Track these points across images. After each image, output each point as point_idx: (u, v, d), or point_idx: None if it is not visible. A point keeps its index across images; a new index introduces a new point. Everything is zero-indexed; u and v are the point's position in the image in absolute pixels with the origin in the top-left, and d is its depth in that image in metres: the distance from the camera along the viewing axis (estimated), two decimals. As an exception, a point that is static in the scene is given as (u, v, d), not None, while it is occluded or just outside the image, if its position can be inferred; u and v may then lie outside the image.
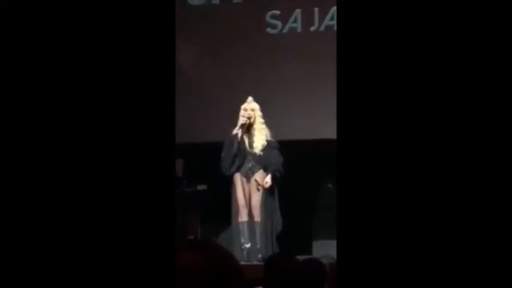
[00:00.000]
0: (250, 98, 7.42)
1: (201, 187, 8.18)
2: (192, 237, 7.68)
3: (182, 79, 7.07)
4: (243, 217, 7.34)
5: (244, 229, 7.33)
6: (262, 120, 7.40)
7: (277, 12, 8.99)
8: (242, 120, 7.28)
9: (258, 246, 7.26)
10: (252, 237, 7.32)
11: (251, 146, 7.34)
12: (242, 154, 7.33)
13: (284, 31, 9.00)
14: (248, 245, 7.30)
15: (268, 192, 7.35)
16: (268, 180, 7.30)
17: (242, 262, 6.76)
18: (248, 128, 7.35)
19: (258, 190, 7.29)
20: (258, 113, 7.39)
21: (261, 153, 7.31)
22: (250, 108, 7.35)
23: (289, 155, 7.47)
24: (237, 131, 7.30)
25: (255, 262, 6.92)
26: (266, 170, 7.33)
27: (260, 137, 7.35)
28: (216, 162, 7.44)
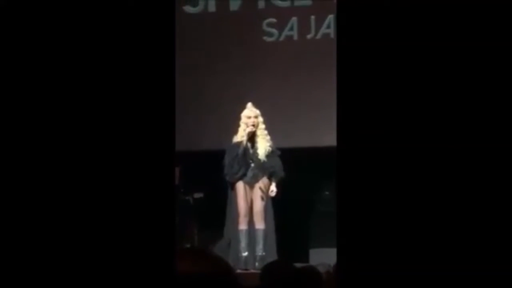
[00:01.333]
0: (249, 104, 7.41)
1: (197, 195, 8.18)
2: (188, 245, 7.67)
3: (178, 87, 7.05)
4: (243, 225, 7.32)
5: (243, 237, 7.31)
6: (263, 127, 7.39)
7: (274, 20, 9.01)
8: (249, 128, 7.26)
9: (260, 254, 7.24)
10: (250, 245, 7.31)
11: (255, 153, 7.33)
12: (247, 161, 7.31)
13: (281, 39, 9.02)
14: (246, 253, 7.29)
15: (271, 200, 7.34)
16: (273, 188, 7.29)
17: (238, 270, 6.75)
18: (251, 135, 7.34)
19: (263, 199, 7.27)
20: (260, 120, 7.38)
21: (265, 160, 7.29)
22: (254, 116, 7.33)
23: (286, 163, 7.47)
24: (242, 138, 7.27)
25: (252, 270, 6.91)
26: (270, 178, 7.32)
27: (264, 144, 7.33)
28: (213, 170, 7.44)
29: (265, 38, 9.03)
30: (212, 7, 9.23)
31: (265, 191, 7.29)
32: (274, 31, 9.02)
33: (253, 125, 7.27)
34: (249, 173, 7.29)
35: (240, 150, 7.26)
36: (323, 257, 7.49)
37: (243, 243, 7.28)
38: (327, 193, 8.58)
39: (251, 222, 7.30)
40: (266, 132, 7.37)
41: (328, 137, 7.99)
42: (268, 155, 7.30)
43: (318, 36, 8.91)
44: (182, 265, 1.66)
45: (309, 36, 8.95)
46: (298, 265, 4.42)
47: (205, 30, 9.08)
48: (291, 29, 9.01)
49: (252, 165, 7.30)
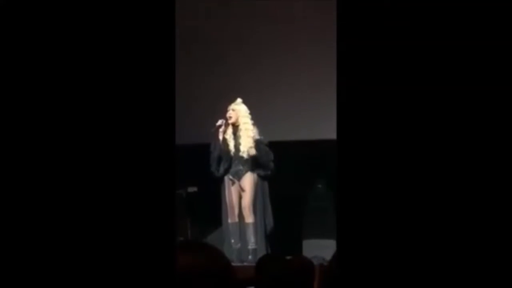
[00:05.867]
0: (238, 100, 7.43)
1: (191, 189, 8.19)
2: (182, 238, 7.69)
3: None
4: (233, 218, 7.36)
5: (234, 230, 7.35)
6: (249, 122, 7.37)
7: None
8: (219, 121, 7.31)
9: (249, 247, 7.28)
10: (242, 238, 7.34)
11: (237, 149, 7.34)
12: (228, 156, 7.33)
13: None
14: (238, 246, 7.33)
15: (257, 193, 7.37)
16: (255, 181, 7.31)
17: (232, 263, 6.75)
18: (233, 130, 7.36)
19: (244, 191, 7.31)
20: (243, 114, 7.35)
21: (248, 154, 7.31)
22: (232, 108, 7.34)
23: (279, 156, 7.48)
24: (215, 131, 7.31)
25: (245, 263, 6.94)
26: (254, 171, 7.34)
27: (246, 139, 7.33)
28: (206, 164, 7.46)
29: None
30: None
31: (251, 186, 7.31)
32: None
33: (226, 119, 7.29)
34: (233, 168, 7.32)
35: (217, 145, 7.30)
36: (317, 250, 7.53)
37: (234, 236, 7.33)
38: (320, 186, 8.60)
39: (241, 216, 7.35)
40: (250, 127, 7.34)
41: (322, 131, 8.01)
42: (251, 150, 7.29)
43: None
44: (181, 258, 1.68)
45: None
46: (292, 258, 4.43)
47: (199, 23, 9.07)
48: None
49: (236, 160, 7.33)
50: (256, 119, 7.46)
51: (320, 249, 7.50)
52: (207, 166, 7.43)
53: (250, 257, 7.16)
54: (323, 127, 7.91)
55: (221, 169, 7.35)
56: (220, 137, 7.33)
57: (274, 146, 7.49)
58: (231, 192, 7.35)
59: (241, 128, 7.32)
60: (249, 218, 7.32)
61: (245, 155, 7.29)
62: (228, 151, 7.33)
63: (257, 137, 7.35)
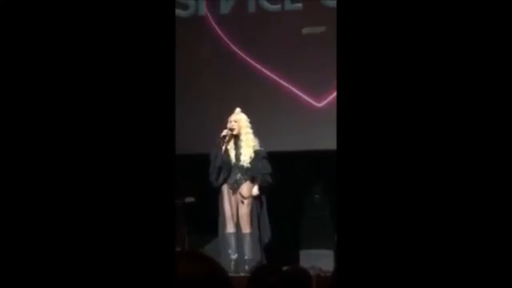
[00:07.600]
0: (237, 110, 7.44)
1: (189, 199, 8.20)
2: (179, 248, 7.69)
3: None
4: (230, 228, 7.36)
5: (231, 241, 7.34)
6: (250, 131, 7.39)
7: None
8: (224, 132, 7.31)
9: (246, 257, 7.28)
10: (239, 248, 7.34)
11: (238, 158, 7.34)
12: (228, 166, 7.33)
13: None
14: (235, 256, 7.32)
15: (255, 203, 7.37)
16: (255, 191, 7.32)
17: (229, 274, 6.73)
18: (235, 140, 7.37)
19: (242, 202, 7.31)
20: (244, 124, 7.37)
21: (249, 164, 7.32)
22: (234, 120, 7.36)
23: (276, 167, 7.49)
24: (219, 142, 7.32)
25: (242, 274, 6.93)
26: (253, 181, 7.35)
27: (247, 149, 7.34)
28: (204, 174, 7.46)
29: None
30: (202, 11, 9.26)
31: (250, 196, 7.32)
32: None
33: (230, 129, 7.30)
34: (232, 178, 7.33)
35: (219, 155, 7.30)
36: (313, 259, 7.53)
37: (231, 246, 7.32)
38: (317, 196, 8.61)
39: (238, 226, 7.34)
40: (251, 137, 7.36)
41: (319, 141, 8.03)
42: (252, 160, 7.31)
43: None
44: (180, 268, 1.68)
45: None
46: (289, 268, 4.43)
47: (196, 33, 9.09)
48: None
49: (236, 169, 7.33)
50: (254, 129, 7.47)
51: (317, 259, 7.50)
52: (205, 176, 7.43)
53: (246, 267, 7.15)
54: (320, 137, 7.92)
55: (221, 179, 7.35)
56: (223, 148, 7.32)
57: (273, 156, 7.49)
58: (228, 202, 7.35)
59: (242, 138, 7.34)
60: (246, 228, 7.31)
61: (245, 164, 7.30)
62: (229, 161, 7.33)
63: (257, 147, 7.36)
